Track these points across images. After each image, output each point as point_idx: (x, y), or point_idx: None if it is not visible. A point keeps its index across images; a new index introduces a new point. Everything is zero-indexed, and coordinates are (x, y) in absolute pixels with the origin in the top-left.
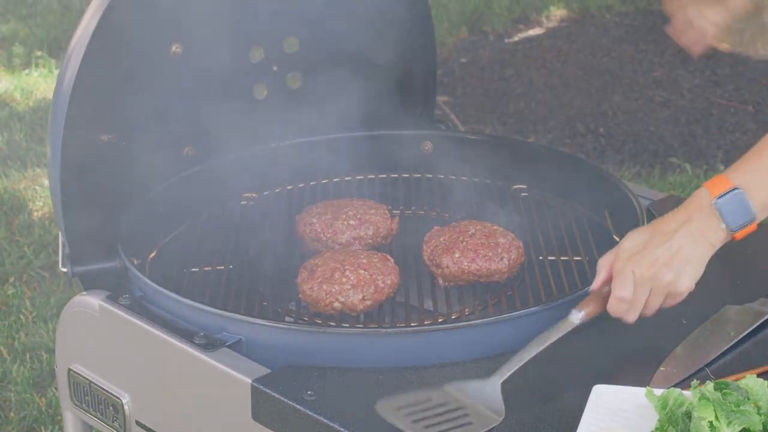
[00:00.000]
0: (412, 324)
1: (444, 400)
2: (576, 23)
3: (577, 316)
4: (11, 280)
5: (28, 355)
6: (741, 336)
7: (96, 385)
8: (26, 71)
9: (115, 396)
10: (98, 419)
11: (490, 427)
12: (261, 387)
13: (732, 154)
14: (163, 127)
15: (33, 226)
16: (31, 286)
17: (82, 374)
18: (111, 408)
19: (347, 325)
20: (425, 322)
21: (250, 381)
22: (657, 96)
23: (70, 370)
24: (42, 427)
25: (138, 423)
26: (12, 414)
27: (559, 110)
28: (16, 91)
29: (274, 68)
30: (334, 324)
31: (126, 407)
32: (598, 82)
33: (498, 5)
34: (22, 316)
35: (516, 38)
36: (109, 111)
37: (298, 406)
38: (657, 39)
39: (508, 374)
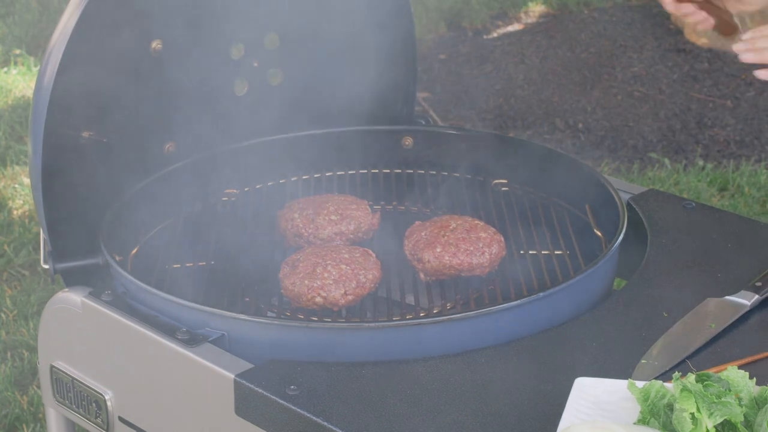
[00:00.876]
0: (393, 318)
1: None
2: (555, 19)
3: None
4: None
5: (9, 354)
6: (722, 328)
7: (79, 381)
8: (5, 69)
9: (98, 392)
10: (81, 416)
11: None
12: (244, 382)
13: (711, 149)
14: (145, 124)
15: (13, 224)
16: (12, 285)
17: (64, 371)
18: (94, 404)
19: (329, 320)
20: (407, 317)
21: (232, 376)
22: (636, 91)
23: (52, 366)
24: (24, 425)
25: (121, 419)
26: None
27: (538, 106)
28: None
29: (255, 64)
30: (316, 319)
31: (109, 403)
32: (577, 77)
33: (477, 1)
34: (2, 315)
35: (495, 34)
36: (90, 108)
37: (280, 401)
38: (636, 35)
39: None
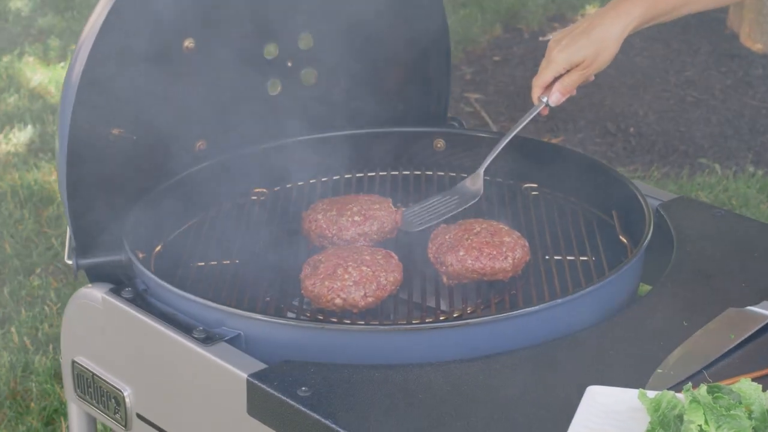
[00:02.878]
0: (413, 321)
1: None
2: None
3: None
4: (37, 271)
5: (51, 346)
6: (741, 339)
7: (99, 377)
8: (61, 64)
9: (117, 389)
10: (101, 411)
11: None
12: (256, 382)
13: (762, 156)
14: (176, 122)
15: (61, 217)
16: (58, 278)
17: (85, 366)
18: (113, 400)
19: (347, 322)
20: (426, 320)
21: (245, 376)
22: (689, 96)
23: (74, 362)
24: (62, 418)
25: (139, 416)
26: (33, 404)
27: (589, 109)
28: (50, 84)
29: (289, 64)
30: (334, 320)
31: (128, 400)
32: (630, 81)
33: (533, 3)
34: (46, 308)
35: (550, 36)
36: (120, 104)
37: (291, 402)
38: (689, 39)
39: (488, 162)
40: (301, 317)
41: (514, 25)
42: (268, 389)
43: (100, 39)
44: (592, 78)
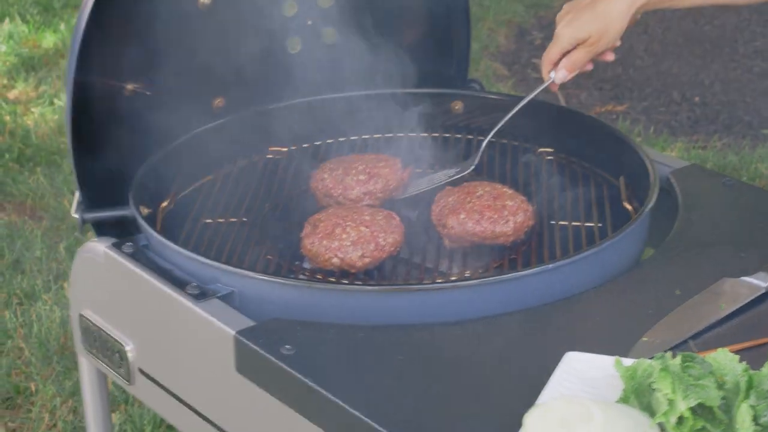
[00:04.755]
0: (400, 283)
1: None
2: None
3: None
4: None
5: None
6: (732, 310)
7: (104, 331)
8: None
9: (120, 342)
10: (107, 365)
11: (463, 173)
12: (242, 339)
13: None
14: (193, 79)
15: None
16: None
17: (91, 320)
18: (117, 354)
19: (344, 282)
20: (423, 281)
21: (233, 333)
22: (756, 66)
23: (81, 315)
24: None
25: (141, 371)
26: None
27: (656, 78)
28: None
29: (309, 22)
30: (328, 279)
31: (129, 354)
32: (698, 50)
33: None
34: None
35: None
36: (132, 59)
37: (274, 360)
38: (762, 8)
39: (490, 137)
40: (292, 276)
41: None
42: (254, 346)
43: None
44: (611, 57)
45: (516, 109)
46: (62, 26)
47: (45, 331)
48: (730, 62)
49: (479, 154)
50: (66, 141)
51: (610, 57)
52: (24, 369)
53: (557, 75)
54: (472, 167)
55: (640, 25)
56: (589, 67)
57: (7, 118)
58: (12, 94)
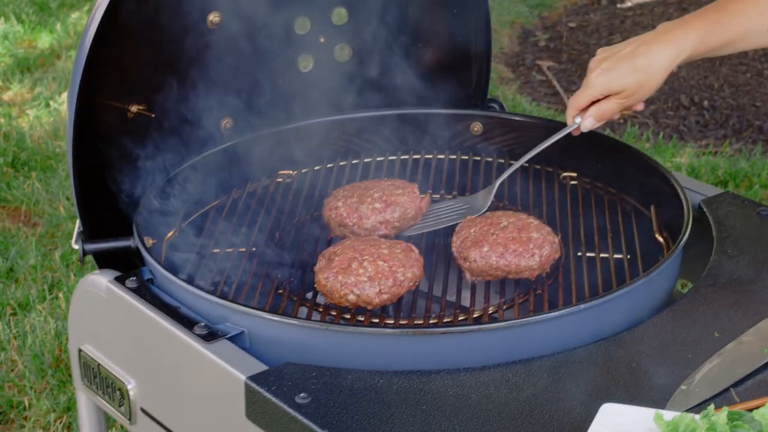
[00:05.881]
0: (419, 324)
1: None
2: None
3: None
4: None
5: None
6: None
7: (104, 367)
8: None
9: (121, 380)
10: (107, 402)
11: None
12: (254, 385)
13: None
14: (200, 99)
15: None
16: None
17: (91, 355)
18: (118, 392)
19: (360, 319)
20: (437, 322)
21: (244, 378)
22: (766, 70)
23: (80, 350)
24: None
25: (143, 411)
26: None
27: (664, 81)
28: None
29: (321, 40)
30: (343, 318)
31: (131, 393)
32: None
33: None
34: None
35: (629, 4)
36: (137, 80)
37: (288, 409)
38: None
39: (504, 177)
40: (302, 317)
41: None
42: (266, 394)
43: (112, 7)
44: (641, 108)
45: (530, 155)
46: (58, 26)
47: (39, 343)
48: (739, 65)
49: (492, 195)
50: (62, 144)
51: (640, 107)
52: (17, 382)
53: (584, 122)
54: (485, 209)
55: (648, 27)
56: (617, 116)
57: (2, 120)
58: (6, 96)
